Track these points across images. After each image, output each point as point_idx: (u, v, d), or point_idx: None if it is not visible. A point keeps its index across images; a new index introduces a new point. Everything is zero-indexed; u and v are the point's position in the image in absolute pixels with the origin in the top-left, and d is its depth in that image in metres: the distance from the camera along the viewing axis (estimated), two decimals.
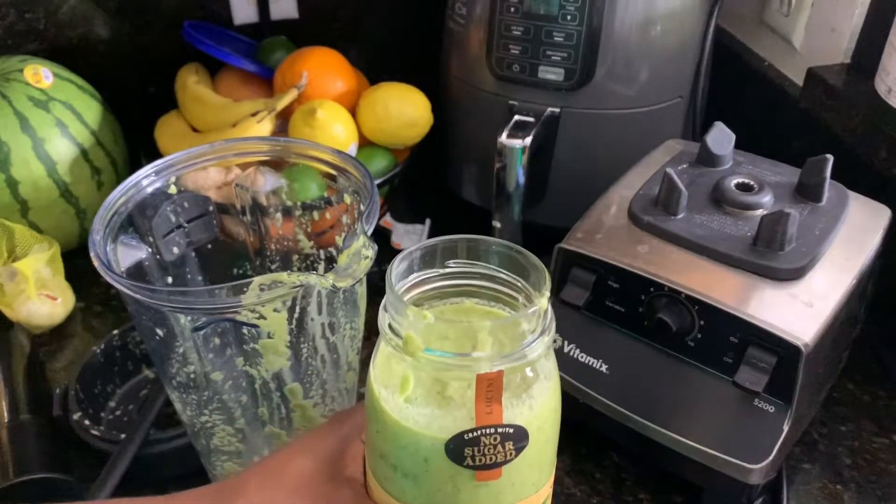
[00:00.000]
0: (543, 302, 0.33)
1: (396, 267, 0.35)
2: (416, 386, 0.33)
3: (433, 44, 0.84)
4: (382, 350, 0.35)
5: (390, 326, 0.33)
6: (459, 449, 0.32)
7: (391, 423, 0.33)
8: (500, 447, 0.32)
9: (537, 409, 0.33)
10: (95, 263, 0.42)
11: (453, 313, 0.37)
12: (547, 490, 0.37)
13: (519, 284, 0.36)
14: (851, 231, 0.57)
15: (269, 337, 0.44)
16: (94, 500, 0.52)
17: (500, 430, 0.32)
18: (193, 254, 0.54)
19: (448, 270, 0.36)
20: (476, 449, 0.32)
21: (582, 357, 0.58)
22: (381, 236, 0.83)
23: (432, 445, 0.32)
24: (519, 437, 0.32)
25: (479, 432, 0.32)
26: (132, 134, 0.85)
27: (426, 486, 0.33)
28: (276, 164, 0.53)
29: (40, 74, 0.77)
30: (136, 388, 0.67)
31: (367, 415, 0.36)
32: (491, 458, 0.32)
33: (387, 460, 0.35)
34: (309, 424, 0.50)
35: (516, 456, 0.33)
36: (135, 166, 0.74)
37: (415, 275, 0.36)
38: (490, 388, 0.31)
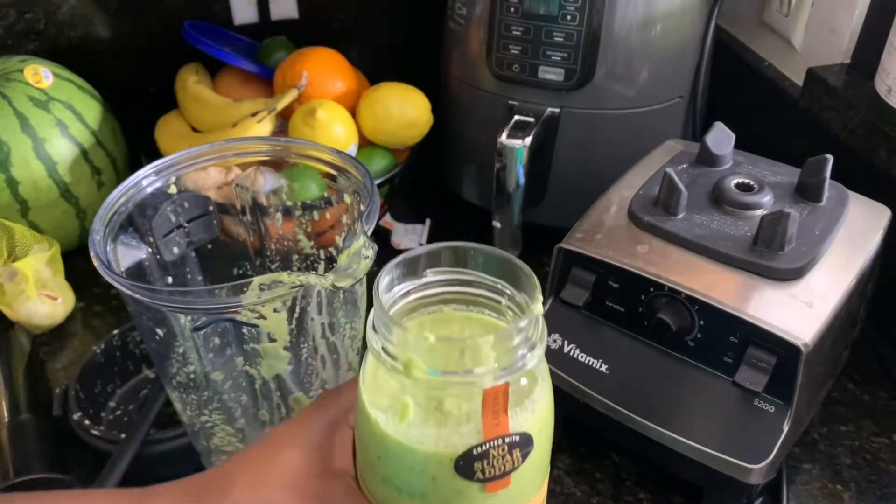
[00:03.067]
0: (539, 308, 0.33)
1: (383, 283, 0.34)
2: (414, 406, 0.32)
3: (433, 44, 0.84)
4: (372, 369, 0.34)
5: (385, 349, 0.31)
6: (469, 464, 0.32)
7: (395, 446, 0.33)
8: (508, 456, 0.32)
9: (538, 412, 0.34)
10: (95, 263, 0.42)
11: (433, 323, 0.37)
12: (545, 487, 0.37)
13: (500, 287, 0.35)
14: (851, 231, 0.57)
15: (270, 339, 0.44)
16: None
17: (507, 439, 0.32)
18: (193, 254, 0.54)
19: (426, 280, 0.36)
20: (486, 461, 0.32)
21: (582, 357, 0.58)
22: (381, 236, 0.83)
23: (440, 463, 0.32)
24: (525, 444, 0.33)
25: (487, 445, 0.31)
26: (132, 134, 0.85)
27: (435, 503, 0.33)
28: (276, 164, 0.53)
29: (40, 74, 0.77)
30: (136, 387, 0.67)
31: (363, 440, 0.35)
32: (500, 469, 0.32)
33: (391, 483, 0.34)
34: None
35: (523, 462, 0.33)
36: (135, 166, 0.74)
37: (396, 288, 0.35)
38: (496, 402, 0.31)
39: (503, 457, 0.32)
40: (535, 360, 0.32)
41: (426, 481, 0.32)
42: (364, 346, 0.34)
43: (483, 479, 0.32)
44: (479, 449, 0.31)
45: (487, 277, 0.36)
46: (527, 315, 0.32)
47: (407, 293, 0.35)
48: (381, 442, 0.33)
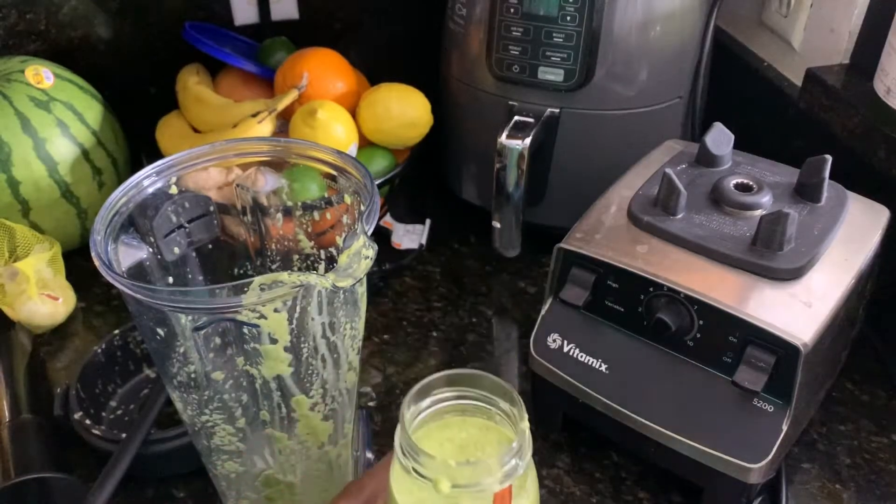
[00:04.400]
0: (526, 424, 0.42)
1: (407, 415, 0.43)
2: None
3: (433, 44, 0.84)
4: (400, 473, 0.42)
5: (414, 469, 0.41)
6: None
7: None
8: None
9: (531, 495, 0.43)
10: (96, 263, 0.42)
11: (437, 429, 0.47)
12: None
13: (489, 398, 0.46)
14: (850, 231, 0.58)
15: (271, 339, 0.44)
16: (94, 498, 0.52)
17: None
18: (194, 254, 0.54)
19: (433, 399, 0.45)
20: None
21: (582, 357, 0.58)
22: (381, 236, 0.84)
23: None
24: None
25: None
26: (133, 134, 0.85)
27: None
28: (276, 164, 0.53)
29: (41, 75, 0.77)
30: (136, 387, 0.67)
31: None
32: None
33: None
34: (313, 435, 0.50)
35: None
36: (136, 167, 0.75)
37: (412, 408, 0.44)
38: (504, 500, 0.41)
39: None
40: (526, 463, 0.42)
41: None
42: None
43: None
44: None
45: (476, 391, 0.46)
46: (517, 432, 0.42)
47: (419, 413, 0.46)
48: None
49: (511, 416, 0.46)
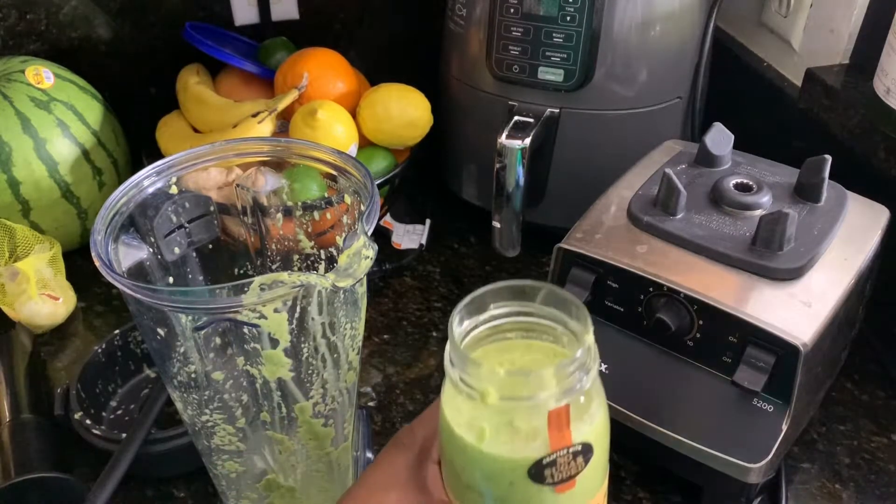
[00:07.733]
0: (591, 338, 0.38)
1: (455, 321, 0.39)
2: (489, 425, 0.38)
3: (433, 44, 0.85)
4: (451, 393, 0.39)
5: (462, 380, 0.38)
6: (540, 472, 0.37)
7: (476, 458, 0.38)
8: (572, 463, 0.38)
9: (596, 424, 0.39)
10: (97, 263, 0.42)
11: (497, 351, 0.42)
12: (605, 483, 0.42)
13: (555, 316, 0.41)
14: (850, 231, 0.58)
15: (271, 339, 0.44)
16: (94, 498, 0.52)
17: (571, 450, 0.37)
18: (194, 254, 0.54)
19: (491, 313, 0.41)
20: (554, 468, 0.37)
21: None
22: (381, 236, 0.84)
23: (515, 471, 0.37)
24: (586, 451, 0.38)
25: (554, 455, 0.37)
26: (133, 134, 0.85)
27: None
28: (276, 164, 0.53)
29: (41, 75, 0.77)
30: (137, 387, 0.67)
31: (449, 453, 0.40)
32: (566, 474, 0.38)
33: (474, 489, 0.39)
34: (315, 440, 0.50)
35: (586, 466, 0.38)
36: (136, 167, 0.75)
37: (466, 322, 0.40)
38: (560, 419, 0.37)
39: (568, 464, 0.38)
40: (590, 382, 0.38)
41: (505, 486, 0.38)
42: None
43: (553, 483, 0.38)
44: (547, 459, 0.37)
45: (544, 309, 0.41)
46: (580, 346, 0.38)
47: (475, 326, 0.41)
48: (463, 454, 0.39)
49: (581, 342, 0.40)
